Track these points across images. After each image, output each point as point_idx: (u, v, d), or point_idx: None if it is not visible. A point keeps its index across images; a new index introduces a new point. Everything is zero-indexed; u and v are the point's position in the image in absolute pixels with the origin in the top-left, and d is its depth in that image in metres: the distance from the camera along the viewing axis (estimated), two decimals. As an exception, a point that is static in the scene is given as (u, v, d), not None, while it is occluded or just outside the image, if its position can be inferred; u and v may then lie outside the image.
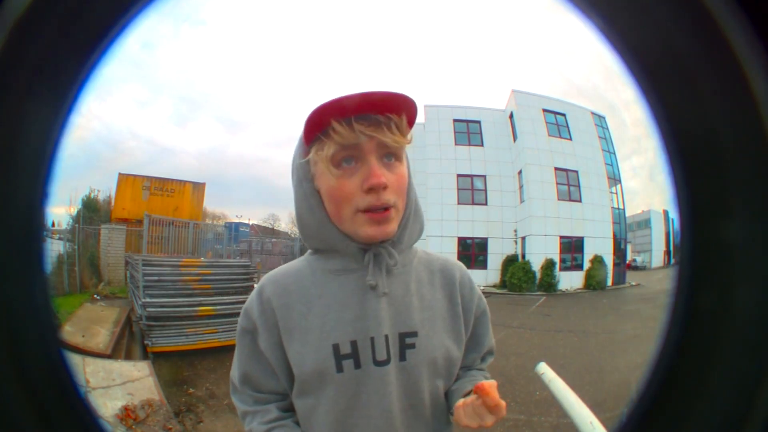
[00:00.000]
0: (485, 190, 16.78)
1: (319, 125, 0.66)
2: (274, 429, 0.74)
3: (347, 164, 0.67)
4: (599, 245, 15.56)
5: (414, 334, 0.71)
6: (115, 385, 4.01)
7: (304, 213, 0.74)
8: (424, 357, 0.71)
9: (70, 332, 5.35)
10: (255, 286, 0.82)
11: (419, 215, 0.76)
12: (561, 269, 15.16)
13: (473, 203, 16.65)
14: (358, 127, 0.64)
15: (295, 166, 0.75)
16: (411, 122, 0.69)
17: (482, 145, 17.02)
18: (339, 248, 0.73)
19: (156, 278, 5.48)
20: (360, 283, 0.72)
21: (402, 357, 0.71)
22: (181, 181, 12.60)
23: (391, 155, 0.68)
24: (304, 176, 0.72)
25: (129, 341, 5.77)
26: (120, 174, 11.95)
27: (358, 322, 0.70)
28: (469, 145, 16.84)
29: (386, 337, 0.70)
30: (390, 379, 0.70)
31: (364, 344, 0.69)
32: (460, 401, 0.68)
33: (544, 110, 16.51)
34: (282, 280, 0.76)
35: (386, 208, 0.67)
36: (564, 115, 16.67)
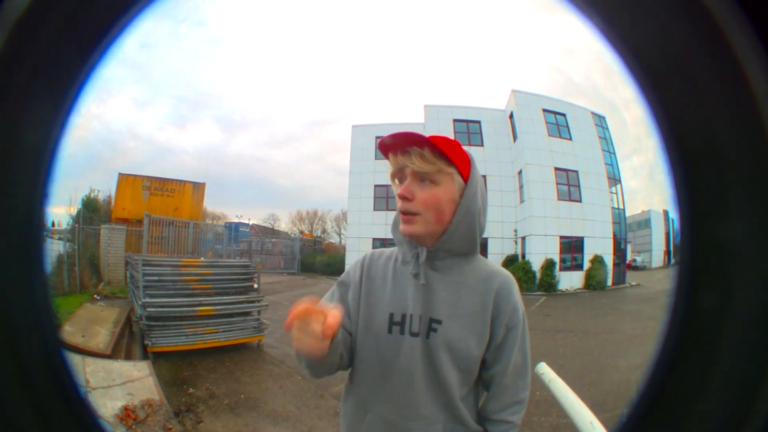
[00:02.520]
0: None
1: (383, 154, 0.96)
2: None
3: (400, 179, 0.94)
4: (599, 245, 15.57)
5: (439, 322, 0.92)
6: (115, 385, 4.01)
7: (395, 214, 0.99)
8: (443, 341, 0.91)
9: (70, 332, 5.35)
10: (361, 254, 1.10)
11: (468, 233, 0.93)
12: (561, 269, 15.16)
13: (473, 203, 16.62)
14: (399, 158, 0.92)
15: None
16: (441, 155, 0.90)
17: (482, 145, 17.03)
18: (400, 241, 0.99)
19: (156, 278, 5.48)
20: (412, 269, 0.96)
21: (427, 335, 0.92)
22: (181, 181, 12.60)
23: (426, 179, 0.91)
24: (391, 181, 0.98)
25: (129, 341, 5.77)
26: (120, 174, 11.96)
27: (407, 301, 0.94)
28: (469, 145, 16.85)
29: (420, 317, 0.92)
30: (417, 349, 0.91)
31: (408, 318, 0.93)
32: None
33: (544, 110, 16.51)
34: (376, 258, 1.04)
35: (411, 213, 0.91)
36: (564, 115, 16.68)
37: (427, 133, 0.89)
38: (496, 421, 0.94)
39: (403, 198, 0.91)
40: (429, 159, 0.89)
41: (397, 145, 0.92)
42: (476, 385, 0.97)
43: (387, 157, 0.96)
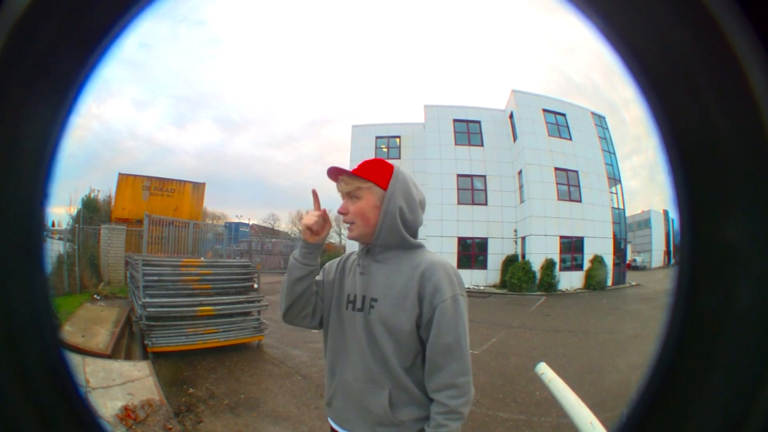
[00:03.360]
0: (485, 190, 16.79)
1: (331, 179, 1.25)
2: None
3: (342, 196, 1.22)
4: (599, 245, 15.56)
5: (375, 300, 1.16)
6: (115, 385, 4.01)
7: None
8: (378, 315, 1.14)
9: (70, 332, 5.35)
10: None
11: (392, 228, 1.17)
12: (561, 269, 15.15)
13: (473, 203, 16.66)
14: (336, 184, 1.22)
15: None
16: (365, 177, 1.18)
17: (482, 145, 17.02)
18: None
19: (156, 278, 5.48)
20: (359, 261, 1.23)
21: (369, 312, 1.16)
22: (181, 181, 12.59)
23: (353, 196, 1.19)
24: None
25: (129, 341, 5.77)
26: (120, 174, 11.96)
27: (356, 284, 1.20)
28: (469, 145, 16.85)
29: (363, 297, 1.18)
30: (360, 321, 1.17)
31: (355, 297, 1.20)
32: None
33: (544, 110, 16.50)
34: (349, 258, 1.30)
35: (349, 223, 1.20)
36: (564, 115, 16.67)
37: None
38: (434, 401, 1.10)
39: (341, 213, 1.20)
40: (347, 182, 1.19)
41: (332, 177, 1.24)
42: (422, 361, 1.13)
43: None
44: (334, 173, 1.22)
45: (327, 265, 1.34)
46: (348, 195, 1.20)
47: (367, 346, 1.14)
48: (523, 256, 15.74)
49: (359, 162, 1.23)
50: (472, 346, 1.16)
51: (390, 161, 1.24)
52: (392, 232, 1.18)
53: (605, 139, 17.01)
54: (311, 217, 1.19)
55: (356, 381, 1.15)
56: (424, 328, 1.11)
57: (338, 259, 1.34)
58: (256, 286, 6.26)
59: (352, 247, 1.25)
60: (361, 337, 1.15)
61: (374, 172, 1.19)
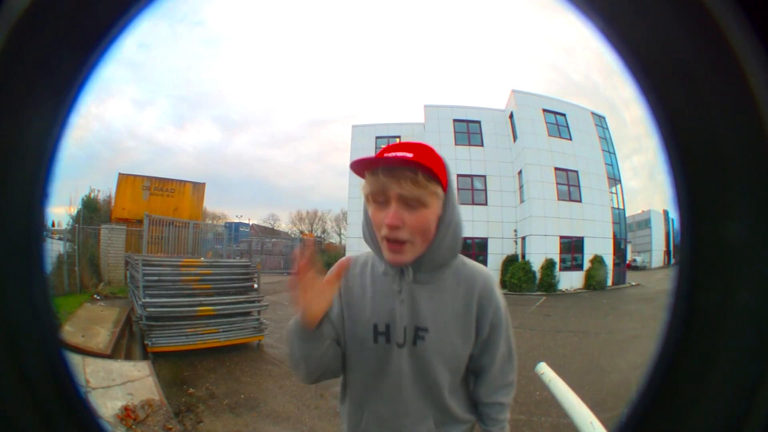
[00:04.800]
0: (485, 190, 16.78)
1: (358, 172, 0.90)
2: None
3: (380, 201, 0.88)
4: (599, 245, 15.56)
5: (425, 329, 0.94)
6: (115, 385, 4.01)
7: (363, 225, 0.97)
8: (430, 347, 0.93)
9: (70, 332, 5.35)
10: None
11: (454, 245, 0.94)
12: (561, 269, 15.16)
13: (473, 203, 16.65)
14: (382, 177, 0.85)
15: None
16: (433, 176, 0.86)
17: (482, 145, 17.02)
18: (380, 258, 0.96)
19: (156, 278, 5.48)
20: (395, 286, 0.96)
21: (414, 343, 0.94)
22: (181, 181, 12.60)
23: (414, 202, 0.85)
24: (364, 198, 0.93)
25: (129, 341, 5.77)
26: (120, 174, 11.96)
27: (390, 312, 0.95)
28: (469, 145, 16.84)
29: (405, 328, 0.94)
30: (404, 357, 0.94)
31: (393, 328, 0.95)
32: None
33: (544, 110, 16.51)
34: (352, 267, 1.02)
35: (401, 242, 0.87)
36: (564, 115, 16.68)
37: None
38: (488, 403, 1.00)
39: (394, 227, 0.85)
40: (421, 183, 0.84)
41: (384, 165, 0.86)
42: (465, 376, 1.01)
43: (360, 175, 0.90)
44: (397, 163, 0.84)
45: None
46: (403, 200, 0.85)
47: (411, 381, 0.95)
48: (523, 256, 15.74)
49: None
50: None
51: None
52: (452, 248, 0.93)
53: (605, 139, 17.01)
54: (314, 292, 0.85)
55: (394, 416, 0.97)
56: (479, 345, 0.97)
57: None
58: (256, 286, 6.25)
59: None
60: (404, 373, 0.94)
61: (441, 170, 0.88)
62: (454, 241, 0.93)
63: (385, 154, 0.86)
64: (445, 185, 0.89)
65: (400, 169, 0.84)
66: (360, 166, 0.88)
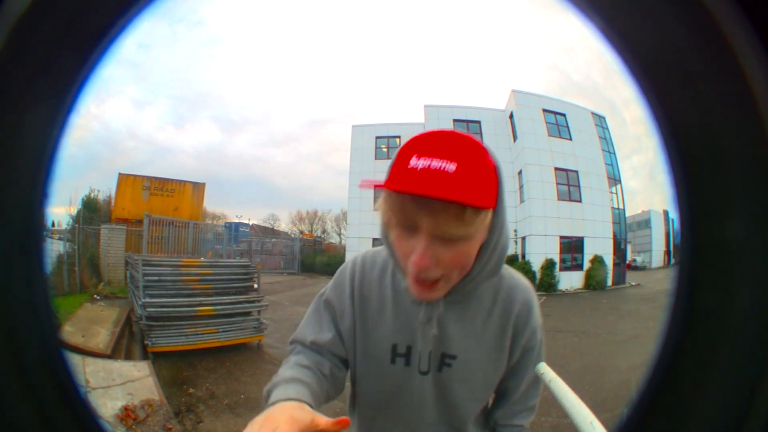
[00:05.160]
0: (485, 190, 16.73)
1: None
2: (300, 355, 0.84)
3: (406, 226, 0.64)
4: (599, 245, 15.56)
5: (453, 357, 0.81)
6: (115, 385, 4.01)
7: (384, 235, 0.75)
8: (458, 375, 0.81)
9: (70, 332, 5.35)
10: (349, 260, 0.91)
11: (496, 269, 0.76)
12: (561, 269, 15.16)
13: (473, 203, 16.61)
14: (410, 209, 0.61)
15: None
16: (489, 199, 0.64)
17: (482, 145, 16.96)
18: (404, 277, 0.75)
19: (156, 278, 5.48)
20: (421, 311, 0.80)
21: (439, 370, 0.81)
22: (181, 181, 12.60)
23: (455, 240, 0.63)
24: (384, 208, 0.69)
25: (129, 341, 5.77)
26: (120, 174, 11.96)
27: (412, 333, 0.81)
28: (469, 145, 16.76)
29: (430, 353, 0.81)
30: (428, 384, 0.82)
31: (415, 352, 0.81)
32: None
33: (544, 110, 16.51)
34: (368, 271, 0.86)
35: (432, 281, 0.67)
36: (564, 115, 16.67)
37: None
38: (505, 425, 0.89)
39: (424, 268, 0.63)
40: (468, 221, 0.61)
41: (416, 192, 0.57)
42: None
43: (389, 191, 0.63)
44: (439, 194, 0.56)
45: (333, 295, 0.87)
46: (439, 237, 0.62)
47: (434, 408, 0.83)
48: (523, 256, 15.74)
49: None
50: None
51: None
52: (493, 271, 0.76)
53: (605, 139, 17.01)
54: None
55: None
56: (507, 370, 0.85)
57: (348, 277, 0.86)
58: (256, 286, 6.26)
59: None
60: (426, 401, 0.82)
61: (489, 185, 0.63)
62: (497, 264, 0.74)
63: (416, 164, 0.59)
64: (494, 202, 0.66)
65: (439, 202, 0.58)
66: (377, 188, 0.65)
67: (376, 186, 0.63)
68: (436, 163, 0.58)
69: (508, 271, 0.85)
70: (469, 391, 0.83)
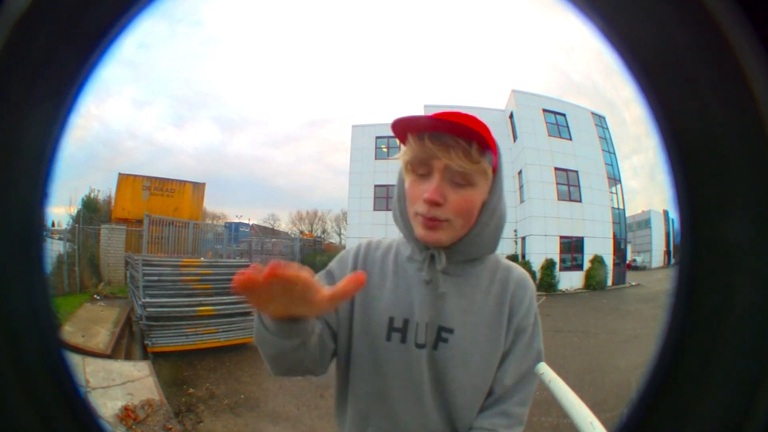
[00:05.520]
0: (485, 190, 16.75)
1: (400, 135, 0.77)
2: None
3: (421, 172, 0.76)
4: (599, 245, 15.56)
5: (450, 330, 0.79)
6: (115, 385, 4.01)
7: (394, 200, 0.85)
8: (455, 353, 0.79)
9: (70, 332, 5.35)
10: (358, 242, 0.93)
11: (495, 237, 0.82)
12: (561, 269, 15.15)
13: (473, 203, 16.62)
14: (429, 144, 0.72)
15: None
16: (486, 150, 0.74)
17: (482, 145, 16.97)
18: (409, 239, 0.83)
19: (156, 278, 5.48)
20: (422, 274, 0.81)
21: (435, 346, 0.79)
22: (181, 181, 12.60)
23: (461, 178, 0.74)
24: (402, 169, 0.81)
25: (129, 341, 5.77)
26: (120, 174, 11.97)
27: (413, 306, 0.81)
28: (469, 145, 16.78)
29: (427, 324, 0.79)
30: (423, 362, 0.79)
31: (412, 325, 0.80)
32: None
33: (544, 110, 16.51)
34: (373, 249, 0.89)
35: (439, 220, 0.75)
36: (564, 115, 16.67)
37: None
38: (479, 428, 0.79)
39: (434, 203, 0.73)
40: (475, 157, 0.72)
41: (434, 129, 0.72)
42: None
43: (401, 139, 0.77)
44: (454, 128, 0.71)
45: (335, 266, 0.89)
46: (449, 175, 0.73)
47: (430, 391, 0.79)
48: (523, 256, 15.74)
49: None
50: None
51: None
52: (492, 240, 0.82)
53: (605, 139, 17.02)
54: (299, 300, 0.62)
55: None
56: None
57: (352, 252, 0.89)
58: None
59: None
60: (422, 381, 0.78)
61: (492, 142, 0.74)
62: (496, 231, 0.81)
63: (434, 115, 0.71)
64: (495, 166, 0.77)
65: (453, 138, 0.71)
66: (404, 127, 0.75)
67: (407, 121, 0.74)
68: (450, 116, 0.71)
69: (501, 256, 0.89)
70: (467, 374, 0.79)
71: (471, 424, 0.80)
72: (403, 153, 0.78)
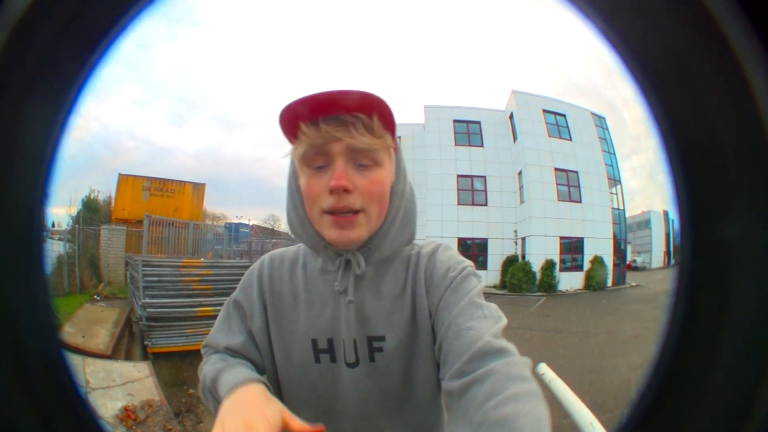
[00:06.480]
0: (485, 191, 16.79)
1: (290, 126, 0.66)
2: (229, 360, 0.74)
3: (319, 164, 0.66)
4: (599, 246, 15.56)
5: (382, 338, 0.71)
6: (115, 385, 4.01)
7: (290, 209, 0.74)
8: (394, 358, 0.71)
9: (70, 333, 5.35)
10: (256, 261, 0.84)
11: (409, 223, 0.74)
12: (561, 270, 15.16)
13: (473, 204, 16.66)
14: (324, 127, 0.63)
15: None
16: (388, 125, 0.66)
17: (482, 145, 17.02)
18: (317, 249, 0.73)
19: (156, 279, 5.49)
20: (337, 285, 0.72)
21: (371, 359, 0.71)
22: (181, 181, 12.61)
23: (366, 159, 0.65)
24: (291, 172, 0.73)
25: (129, 342, 5.77)
26: (120, 174, 11.97)
27: (333, 322, 0.72)
28: (469, 145, 16.84)
29: (354, 341, 0.71)
30: (362, 378, 0.72)
31: (338, 344, 0.72)
32: None
33: (544, 111, 16.52)
34: (277, 266, 0.79)
35: (353, 212, 0.66)
36: (564, 115, 16.69)
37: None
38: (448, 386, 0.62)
39: (342, 190, 0.63)
40: (378, 131, 0.64)
41: (330, 107, 0.63)
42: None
43: (291, 132, 0.66)
44: (351, 102, 0.63)
45: (242, 296, 0.79)
46: (353, 156, 0.65)
47: (377, 404, 0.72)
48: (523, 257, 15.74)
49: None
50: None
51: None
52: (407, 228, 0.73)
53: (605, 140, 17.03)
54: None
55: None
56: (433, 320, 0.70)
57: (255, 273, 0.79)
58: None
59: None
60: (366, 397, 0.72)
61: (386, 109, 0.65)
62: (409, 216, 0.73)
63: (319, 94, 0.62)
64: (394, 140, 0.68)
65: (351, 115, 0.63)
66: (295, 114, 0.64)
67: (296, 106, 0.64)
68: (336, 90, 0.62)
69: (424, 241, 0.79)
70: (412, 372, 0.71)
71: (436, 414, 0.75)
72: (293, 148, 0.68)
